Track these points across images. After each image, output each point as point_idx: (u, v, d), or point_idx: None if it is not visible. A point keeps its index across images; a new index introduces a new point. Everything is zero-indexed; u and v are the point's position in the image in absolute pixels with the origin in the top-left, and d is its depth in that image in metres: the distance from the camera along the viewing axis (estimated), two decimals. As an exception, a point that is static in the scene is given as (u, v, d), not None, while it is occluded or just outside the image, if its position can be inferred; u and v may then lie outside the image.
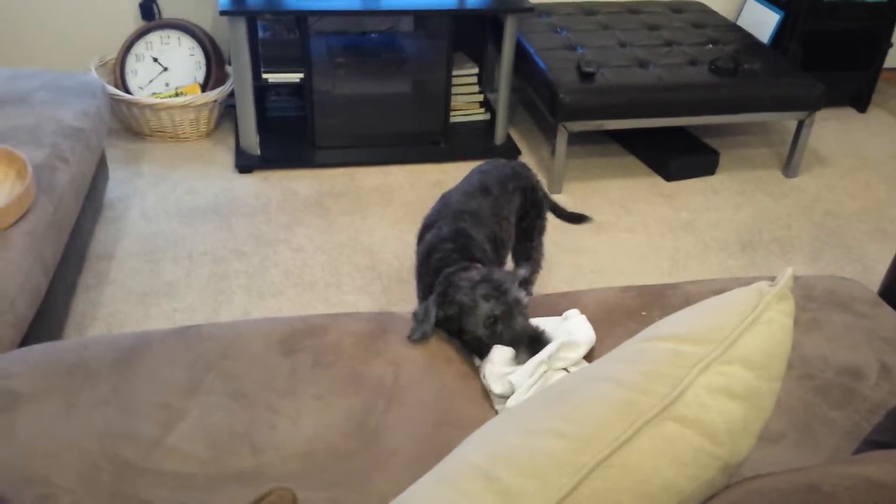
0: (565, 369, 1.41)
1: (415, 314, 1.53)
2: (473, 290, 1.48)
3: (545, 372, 1.38)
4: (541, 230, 2.05)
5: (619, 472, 0.74)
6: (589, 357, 1.47)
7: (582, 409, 0.78)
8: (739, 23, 3.68)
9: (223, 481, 1.20)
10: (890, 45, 3.58)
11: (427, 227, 1.78)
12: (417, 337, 1.47)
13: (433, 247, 1.67)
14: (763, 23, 3.55)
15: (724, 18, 3.47)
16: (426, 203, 2.84)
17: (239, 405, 1.32)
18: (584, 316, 1.53)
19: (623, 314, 1.59)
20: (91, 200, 2.40)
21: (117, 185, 2.84)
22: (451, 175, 3.01)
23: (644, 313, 1.59)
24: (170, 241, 2.57)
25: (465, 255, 1.63)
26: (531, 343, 1.44)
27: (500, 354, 1.43)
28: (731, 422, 0.78)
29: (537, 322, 1.50)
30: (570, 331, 1.47)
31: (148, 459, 1.22)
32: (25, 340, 1.75)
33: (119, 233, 2.59)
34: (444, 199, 1.83)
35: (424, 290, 1.67)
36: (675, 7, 3.54)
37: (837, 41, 3.65)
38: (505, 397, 1.38)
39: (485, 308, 1.46)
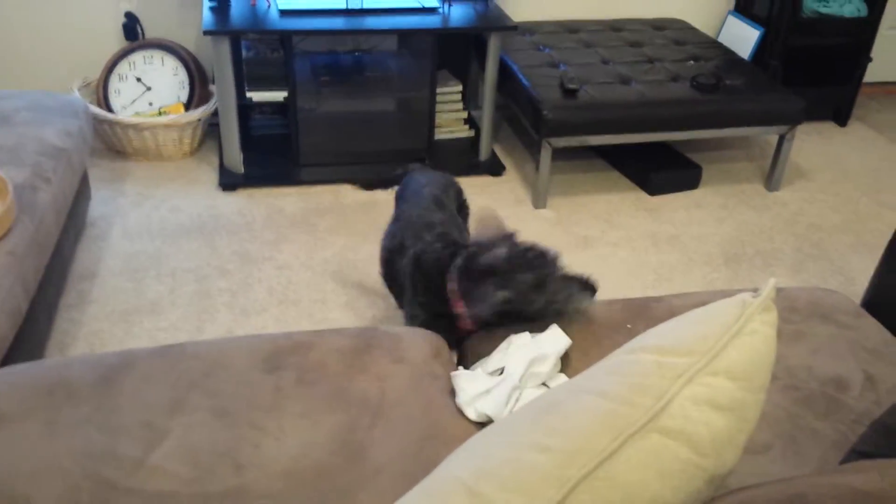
0: (544, 384, 1.41)
1: (481, 304, 1.51)
2: (523, 263, 1.49)
3: (520, 395, 1.38)
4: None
5: (605, 485, 0.74)
6: (573, 370, 1.46)
7: (567, 422, 0.78)
8: (720, 39, 3.72)
9: (206, 501, 1.18)
10: (869, 59, 3.63)
11: (396, 249, 1.75)
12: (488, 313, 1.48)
13: (422, 252, 1.64)
14: (744, 39, 3.59)
15: (705, 35, 3.51)
16: (411, 220, 2.84)
17: (222, 424, 1.31)
18: (554, 325, 1.52)
19: (608, 327, 1.59)
20: (73, 220, 2.39)
21: (100, 204, 2.82)
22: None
23: (629, 326, 1.59)
24: (153, 259, 2.55)
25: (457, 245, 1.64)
26: (588, 286, 1.53)
27: (468, 381, 1.41)
28: (716, 433, 0.78)
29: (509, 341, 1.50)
30: (538, 344, 1.46)
31: (130, 480, 1.20)
32: (6, 360, 1.73)
33: (101, 252, 2.58)
34: (403, 218, 1.81)
35: (428, 292, 1.63)
36: (657, 24, 3.58)
37: (818, 56, 3.70)
38: (482, 423, 1.37)
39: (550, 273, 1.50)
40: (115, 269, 2.50)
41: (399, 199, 1.98)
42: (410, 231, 1.74)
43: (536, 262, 1.51)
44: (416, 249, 1.68)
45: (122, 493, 1.18)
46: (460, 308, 1.58)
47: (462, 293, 1.56)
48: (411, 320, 1.71)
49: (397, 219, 1.83)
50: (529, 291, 1.50)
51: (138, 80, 3.09)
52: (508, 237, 1.56)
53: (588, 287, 1.57)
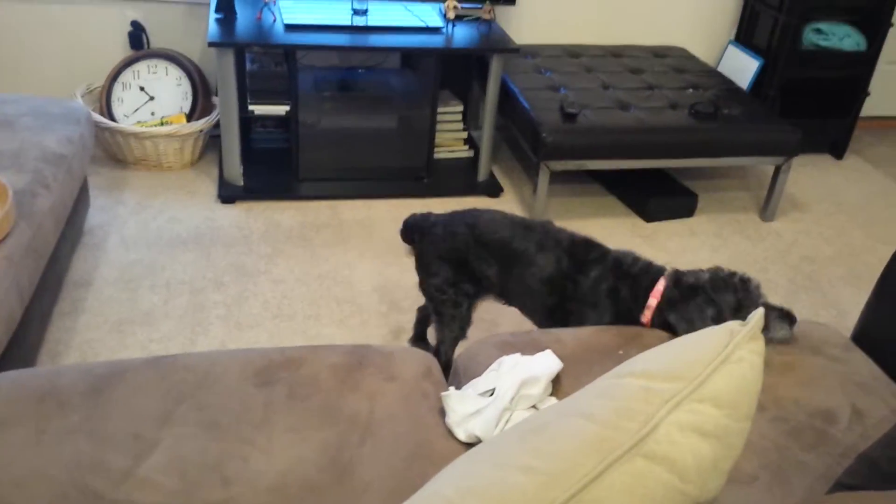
0: (534, 406, 1.41)
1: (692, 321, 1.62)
2: (727, 286, 1.62)
3: (510, 417, 1.38)
4: None
5: (589, 509, 0.75)
6: (563, 394, 1.47)
7: (553, 444, 0.78)
8: (720, 69, 3.76)
9: (193, 513, 1.18)
10: (867, 93, 3.66)
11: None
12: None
13: (631, 264, 1.75)
14: (743, 69, 3.63)
15: (704, 64, 3.54)
16: (408, 238, 2.85)
17: (211, 437, 1.31)
18: (547, 349, 1.53)
19: (600, 352, 1.59)
20: (71, 227, 2.39)
21: (98, 212, 2.83)
22: (433, 210, 3.02)
23: (621, 352, 1.60)
24: (148, 269, 2.56)
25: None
26: (788, 316, 1.64)
27: (459, 401, 1.41)
28: (700, 460, 0.78)
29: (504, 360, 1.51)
30: (529, 367, 1.47)
31: (117, 491, 1.20)
32: (-2, 366, 1.73)
33: (97, 260, 2.58)
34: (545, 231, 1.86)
35: (630, 297, 1.72)
36: (658, 52, 3.61)
37: (816, 89, 3.73)
38: (470, 444, 1.37)
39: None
40: (111, 279, 2.50)
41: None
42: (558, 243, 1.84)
43: (740, 286, 1.62)
44: (621, 261, 1.77)
45: None
46: (647, 318, 1.69)
47: (666, 304, 1.66)
48: (598, 319, 1.76)
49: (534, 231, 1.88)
50: (730, 314, 1.60)
51: (141, 89, 3.11)
52: (715, 268, 1.69)
53: (787, 317, 1.65)
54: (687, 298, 1.64)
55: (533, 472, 0.76)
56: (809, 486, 1.33)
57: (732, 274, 1.66)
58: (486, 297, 1.99)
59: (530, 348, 1.57)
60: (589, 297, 1.76)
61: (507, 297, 1.93)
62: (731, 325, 0.88)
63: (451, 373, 1.66)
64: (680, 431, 0.78)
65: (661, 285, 1.69)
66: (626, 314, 1.73)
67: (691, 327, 1.62)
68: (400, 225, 2.08)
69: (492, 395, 1.42)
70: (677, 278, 1.69)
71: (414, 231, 2.01)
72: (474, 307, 1.99)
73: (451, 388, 1.46)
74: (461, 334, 2.01)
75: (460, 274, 1.92)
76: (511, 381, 1.42)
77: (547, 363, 1.48)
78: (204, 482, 1.23)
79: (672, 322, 1.66)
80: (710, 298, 1.62)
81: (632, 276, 1.74)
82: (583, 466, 0.75)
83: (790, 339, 1.65)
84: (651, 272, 1.73)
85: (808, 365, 1.61)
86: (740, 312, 1.61)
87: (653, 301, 1.68)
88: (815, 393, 1.53)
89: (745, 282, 1.64)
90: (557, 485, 0.74)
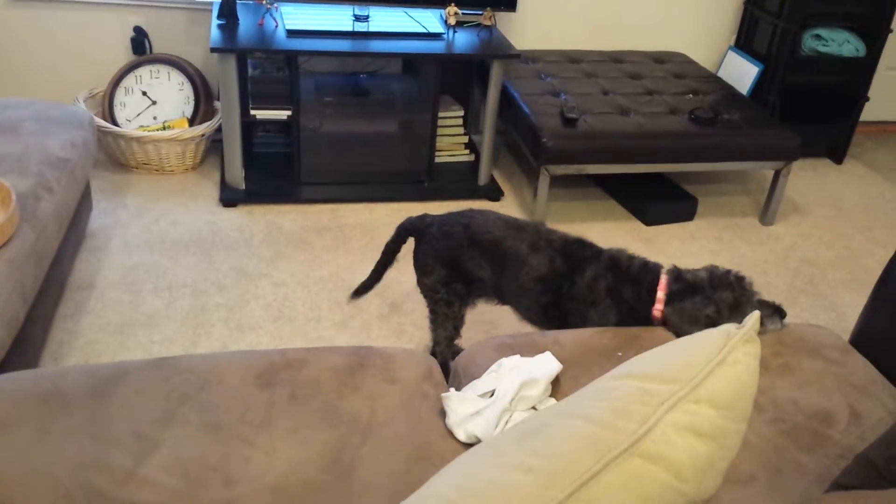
0: (533, 408, 1.42)
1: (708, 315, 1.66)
2: (724, 283, 1.68)
3: (510, 418, 1.39)
4: None
5: (587, 508, 0.76)
6: (563, 395, 1.48)
7: (551, 444, 0.80)
8: (720, 74, 3.77)
9: (195, 513, 1.19)
10: (866, 98, 3.68)
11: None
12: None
13: (628, 265, 1.79)
14: (743, 75, 3.64)
15: (704, 69, 3.56)
16: (409, 241, 2.86)
17: (213, 437, 1.32)
18: (546, 351, 1.54)
19: (600, 354, 1.61)
20: (74, 230, 2.41)
21: (101, 215, 2.85)
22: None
23: (620, 354, 1.61)
24: (151, 272, 2.57)
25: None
26: (779, 311, 1.70)
27: (459, 402, 1.42)
28: (697, 459, 0.79)
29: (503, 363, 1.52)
30: (528, 369, 1.48)
31: (120, 490, 1.21)
32: (1, 368, 1.74)
33: (100, 263, 2.59)
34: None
35: (634, 295, 1.76)
36: (658, 58, 3.63)
37: (815, 94, 3.74)
38: (470, 444, 1.38)
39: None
40: (113, 281, 2.52)
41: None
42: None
43: (736, 284, 1.68)
44: (618, 259, 1.81)
45: (112, 503, 1.19)
46: (658, 311, 1.72)
47: (667, 300, 1.71)
48: (601, 319, 1.79)
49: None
50: (727, 310, 1.66)
51: (144, 93, 3.12)
52: (710, 266, 1.74)
53: (779, 312, 1.73)
54: (685, 295, 1.68)
55: (531, 471, 0.77)
56: (807, 487, 1.34)
57: (728, 272, 1.71)
58: (479, 298, 2.02)
59: (530, 350, 1.58)
60: (588, 296, 1.79)
61: (501, 297, 1.95)
62: (728, 327, 0.89)
63: (451, 374, 1.67)
64: (676, 432, 0.80)
65: (664, 280, 1.73)
66: (629, 312, 1.76)
67: (690, 324, 1.66)
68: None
69: (492, 396, 1.43)
70: (677, 274, 1.73)
71: (410, 232, 2.04)
72: (466, 307, 2.02)
73: (452, 390, 1.47)
74: (455, 334, 2.04)
75: (453, 274, 1.95)
76: (511, 382, 1.43)
77: (546, 365, 1.49)
78: (206, 482, 1.24)
79: (670, 318, 1.68)
80: (708, 296, 1.67)
81: (632, 274, 1.77)
82: (580, 466, 0.76)
83: (780, 330, 1.73)
84: (650, 269, 1.78)
85: (806, 367, 1.62)
86: (737, 309, 1.66)
87: (661, 294, 1.72)
88: (813, 395, 1.54)
89: (740, 279, 1.70)
90: (555, 484, 0.75)
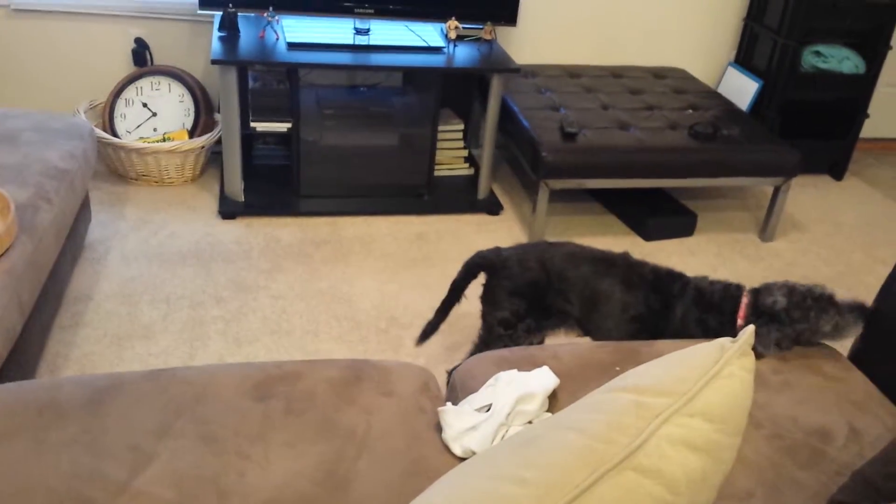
0: (530, 422, 1.41)
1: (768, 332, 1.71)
2: (801, 316, 1.72)
3: (506, 432, 1.39)
4: None
5: (580, 522, 0.75)
6: (559, 409, 1.47)
7: (545, 456, 0.79)
8: (720, 90, 3.78)
9: (188, 526, 1.19)
10: (866, 115, 3.69)
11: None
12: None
13: (711, 292, 1.86)
14: (743, 91, 3.65)
15: (704, 85, 3.57)
16: (407, 254, 2.86)
17: (208, 450, 1.31)
18: (544, 365, 1.53)
19: (597, 369, 1.60)
20: (72, 241, 2.41)
21: (99, 227, 2.85)
22: (433, 227, 3.04)
23: (618, 368, 1.60)
24: (148, 284, 2.57)
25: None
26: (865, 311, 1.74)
27: (455, 417, 1.42)
28: (690, 473, 0.79)
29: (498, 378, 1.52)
30: (526, 383, 1.47)
31: (114, 502, 1.21)
32: (-3, 379, 1.73)
33: (98, 275, 2.59)
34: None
35: (717, 320, 1.82)
36: (658, 73, 3.64)
37: (815, 111, 3.75)
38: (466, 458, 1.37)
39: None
40: (111, 293, 2.51)
41: None
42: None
43: (814, 308, 1.71)
44: (701, 289, 1.87)
45: (105, 515, 1.19)
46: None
47: (745, 322, 1.78)
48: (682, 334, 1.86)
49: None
50: (812, 334, 1.72)
51: (144, 105, 3.13)
52: (790, 285, 1.79)
53: (860, 310, 1.75)
54: (761, 323, 1.74)
55: (525, 483, 0.77)
56: (804, 504, 1.33)
57: (807, 295, 1.74)
58: (557, 329, 2.01)
59: (527, 364, 1.58)
60: (681, 332, 1.85)
61: (588, 331, 1.97)
62: (722, 341, 0.89)
63: (448, 388, 1.67)
64: (670, 445, 0.79)
65: (744, 303, 1.80)
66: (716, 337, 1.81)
67: (764, 348, 1.72)
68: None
69: (488, 410, 1.43)
70: (755, 300, 1.79)
71: (483, 267, 2.01)
72: (532, 341, 2.03)
73: (448, 404, 1.46)
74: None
75: (532, 309, 1.94)
76: (508, 396, 1.43)
77: (543, 379, 1.48)
78: (200, 495, 1.23)
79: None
80: (780, 326, 1.72)
81: (715, 303, 1.84)
82: (574, 478, 0.76)
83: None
84: (730, 294, 1.84)
85: (805, 383, 1.61)
86: (834, 334, 1.74)
87: (741, 322, 1.79)
88: (811, 411, 1.54)
89: (821, 299, 1.73)
90: (549, 496, 0.75)
